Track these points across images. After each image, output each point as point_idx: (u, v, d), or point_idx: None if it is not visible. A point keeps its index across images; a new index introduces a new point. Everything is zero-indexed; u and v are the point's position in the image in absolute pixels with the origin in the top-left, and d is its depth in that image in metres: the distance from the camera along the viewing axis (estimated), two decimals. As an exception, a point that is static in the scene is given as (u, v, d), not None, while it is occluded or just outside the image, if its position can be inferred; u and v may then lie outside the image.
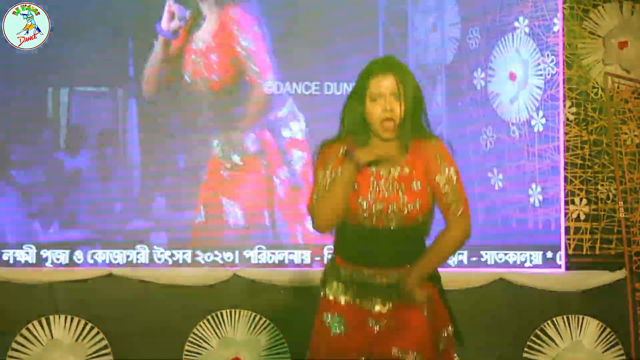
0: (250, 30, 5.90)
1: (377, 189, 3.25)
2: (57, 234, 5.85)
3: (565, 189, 6.02)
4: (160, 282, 5.78)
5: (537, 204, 5.97)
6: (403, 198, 3.23)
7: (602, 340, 5.96)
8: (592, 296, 5.97)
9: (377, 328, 3.27)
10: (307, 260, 5.87)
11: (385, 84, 3.22)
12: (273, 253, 5.87)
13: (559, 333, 5.95)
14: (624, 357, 5.96)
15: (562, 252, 5.99)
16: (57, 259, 5.80)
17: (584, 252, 6.06)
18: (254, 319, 5.82)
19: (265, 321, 5.82)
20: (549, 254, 5.99)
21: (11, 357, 5.72)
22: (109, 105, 6.01)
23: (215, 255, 5.85)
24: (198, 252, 5.86)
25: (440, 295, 3.33)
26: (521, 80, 6.03)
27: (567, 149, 6.04)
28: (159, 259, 5.85)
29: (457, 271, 5.92)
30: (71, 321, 5.78)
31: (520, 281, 5.93)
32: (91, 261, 5.81)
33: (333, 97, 5.85)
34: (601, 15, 6.12)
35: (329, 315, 3.28)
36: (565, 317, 5.96)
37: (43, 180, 5.89)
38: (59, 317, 5.79)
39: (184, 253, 5.86)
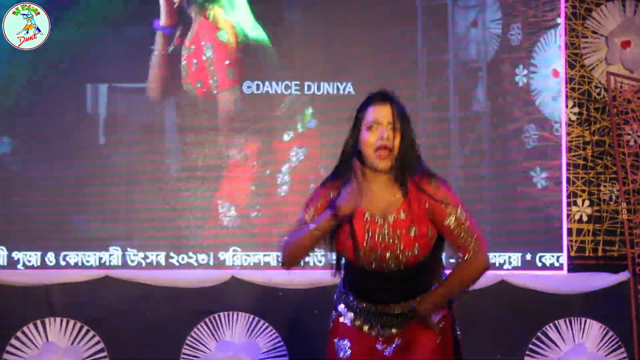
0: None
1: (372, 237, 3.20)
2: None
3: (567, 190, 5.96)
4: (158, 284, 5.72)
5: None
6: (400, 246, 3.19)
7: (605, 343, 5.91)
8: (595, 298, 5.91)
9: (389, 350, 3.28)
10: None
11: (382, 112, 3.20)
12: (248, 255, 5.81)
13: (561, 336, 5.90)
14: (627, 360, 5.92)
15: (565, 254, 5.93)
16: (29, 261, 5.74)
17: (587, 254, 6.00)
18: (252, 321, 5.75)
19: (263, 324, 5.75)
20: (551, 256, 5.93)
21: (6, 360, 5.68)
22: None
23: (190, 257, 5.79)
24: (172, 254, 5.80)
25: (451, 325, 3.39)
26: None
27: (569, 150, 5.98)
28: (132, 261, 5.78)
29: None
30: (67, 324, 5.72)
31: (522, 283, 5.87)
32: (63, 263, 5.74)
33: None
34: (604, 14, 6.06)
35: (338, 339, 3.32)
36: (567, 319, 5.90)
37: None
38: (55, 320, 5.73)
39: (157, 255, 5.79)
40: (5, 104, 5.80)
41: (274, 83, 5.87)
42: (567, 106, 5.98)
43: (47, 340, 5.71)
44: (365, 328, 3.31)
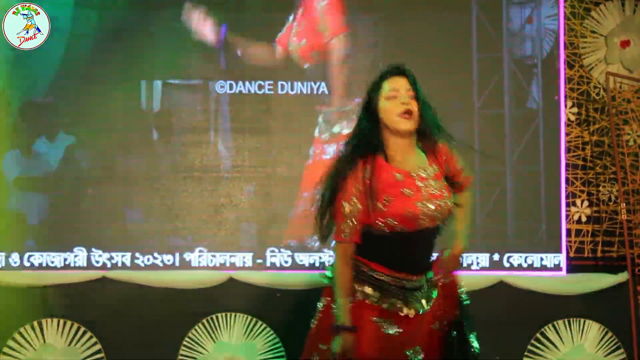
0: None
1: (427, 190, 3.50)
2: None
3: (566, 191, 5.93)
4: (155, 285, 5.69)
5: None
6: (445, 193, 3.56)
7: (604, 344, 5.88)
8: (594, 299, 5.88)
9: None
10: (249, 263, 5.78)
11: (400, 82, 3.53)
12: (214, 256, 5.79)
13: (560, 337, 5.87)
14: (626, 361, 5.90)
15: (564, 255, 5.90)
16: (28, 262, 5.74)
17: (586, 255, 5.97)
18: (250, 322, 5.73)
19: (261, 325, 5.73)
20: (550, 257, 5.90)
21: (3, 362, 5.66)
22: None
23: (155, 258, 5.77)
24: (137, 255, 5.77)
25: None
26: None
27: (568, 150, 5.95)
28: (97, 262, 5.75)
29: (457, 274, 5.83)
30: (64, 325, 5.70)
31: (521, 284, 5.84)
32: (27, 264, 5.72)
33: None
34: (603, 13, 6.04)
35: (377, 319, 3.50)
36: (566, 320, 5.88)
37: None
38: (52, 321, 5.70)
39: (122, 256, 5.77)
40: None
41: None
42: (566, 106, 5.96)
43: (44, 341, 5.69)
44: (403, 309, 3.56)
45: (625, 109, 5.93)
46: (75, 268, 5.73)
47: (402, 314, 3.55)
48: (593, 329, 5.88)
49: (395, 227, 3.44)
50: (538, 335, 5.86)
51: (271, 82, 5.85)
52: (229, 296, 5.73)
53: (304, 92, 5.85)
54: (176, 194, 5.80)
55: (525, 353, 5.83)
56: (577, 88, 6.00)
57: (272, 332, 5.72)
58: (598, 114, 6.01)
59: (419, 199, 3.46)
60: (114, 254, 5.75)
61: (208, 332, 5.71)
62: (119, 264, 5.75)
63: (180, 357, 5.69)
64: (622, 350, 5.87)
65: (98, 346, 5.70)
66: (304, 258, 5.79)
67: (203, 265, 5.76)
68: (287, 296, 5.72)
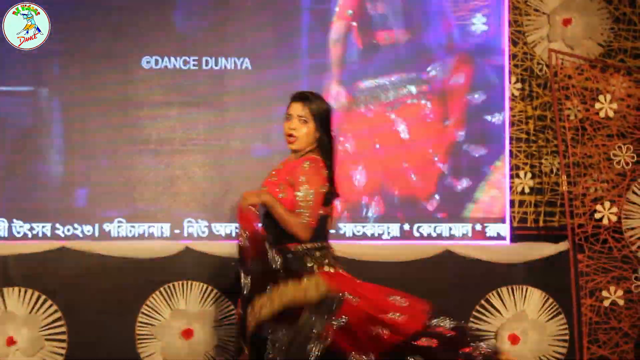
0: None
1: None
2: None
3: (510, 163, 6.16)
4: (113, 254, 5.85)
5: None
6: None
7: (545, 310, 6.12)
8: (536, 267, 6.11)
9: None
10: (167, 233, 5.99)
11: (294, 108, 4.16)
12: (133, 226, 5.99)
13: (503, 303, 6.09)
14: (566, 325, 6.12)
15: (507, 225, 6.13)
16: None
17: (529, 225, 6.21)
18: (206, 290, 5.92)
19: (216, 293, 5.92)
20: (494, 227, 6.12)
21: (-35, 329, 5.80)
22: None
23: (75, 229, 5.95)
24: (57, 225, 5.94)
25: None
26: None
27: (512, 124, 6.18)
28: (18, 232, 5.93)
29: (405, 243, 6.05)
30: (25, 294, 5.85)
31: (466, 253, 6.05)
32: (19, 234, 5.91)
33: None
34: (546, -8, 6.26)
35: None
36: (509, 287, 6.10)
37: None
38: (13, 290, 5.86)
39: (43, 227, 5.94)
40: None
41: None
42: (510, 82, 6.17)
43: (6, 309, 5.84)
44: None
45: (567, 85, 6.13)
46: (35, 239, 5.90)
47: None
48: (535, 296, 6.11)
49: None
50: (483, 302, 6.07)
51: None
52: (185, 265, 5.92)
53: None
54: (133, 166, 5.98)
55: (471, 319, 6.04)
56: (521, 64, 6.22)
57: (226, 299, 5.91)
58: (541, 89, 6.24)
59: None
60: (75, 225, 5.93)
61: (165, 300, 5.90)
62: (80, 235, 5.92)
63: (138, 324, 5.86)
64: (562, 315, 6.11)
65: (59, 314, 5.85)
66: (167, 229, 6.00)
67: (159, 236, 5.94)
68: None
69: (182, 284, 5.91)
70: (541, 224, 6.22)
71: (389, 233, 6.09)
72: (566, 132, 6.12)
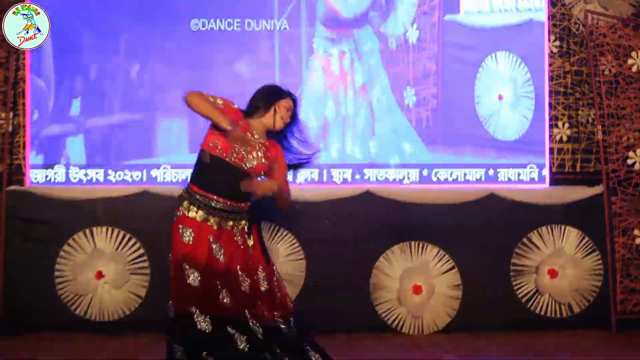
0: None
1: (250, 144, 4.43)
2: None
3: (550, 114, 6.71)
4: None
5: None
6: (255, 161, 4.42)
7: (581, 247, 6.67)
8: (573, 209, 6.65)
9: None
10: None
11: (290, 104, 4.57)
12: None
13: (543, 241, 6.64)
14: (600, 261, 6.67)
15: (547, 170, 6.69)
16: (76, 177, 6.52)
17: (566, 170, 6.77)
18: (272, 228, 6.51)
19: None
20: (536, 172, 6.67)
21: (59, 264, 6.42)
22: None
23: (125, 175, 6.54)
24: (110, 172, 6.53)
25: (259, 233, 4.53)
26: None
27: (551, 79, 6.73)
28: (74, 178, 6.52)
29: (452, 187, 6.62)
30: (112, 232, 6.45)
31: (509, 196, 6.58)
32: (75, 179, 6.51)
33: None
34: (583, -43, 6.80)
35: (183, 228, 4.36)
36: (549, 227, 6.65)
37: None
38: (101, 229, 6.46)
39: (96, 173, 6.52)
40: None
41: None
42: (549, 40, 6.71)
43: (95, 246, 6.45)
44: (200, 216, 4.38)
45: (602, 43, 6.67)
46: (121, 183, 6.52)
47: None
48: (572, 235, 6.66)
49: (216, 150, 4.34)
50: (524, 240, 6.62)
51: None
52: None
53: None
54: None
55: (513, 255, 6.60)
56: (559, 24, 6.76)
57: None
58: (578, 47, 6.78)
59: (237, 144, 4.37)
60: (152, 171, 6.52)
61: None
62: (158, 180, 6.52)
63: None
64: (597, 252, 6.67)
65: (142, 250, 6.45)
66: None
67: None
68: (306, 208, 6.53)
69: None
70: (578, 169, 6.78)
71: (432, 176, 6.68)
72: (601, 86, 6.66)
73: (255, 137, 4.45)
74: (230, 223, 4.38)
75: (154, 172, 6.54)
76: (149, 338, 6.13)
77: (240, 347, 4.16)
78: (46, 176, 6.50)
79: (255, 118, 4.49)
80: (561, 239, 6.66)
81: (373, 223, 6.55)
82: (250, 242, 4.45)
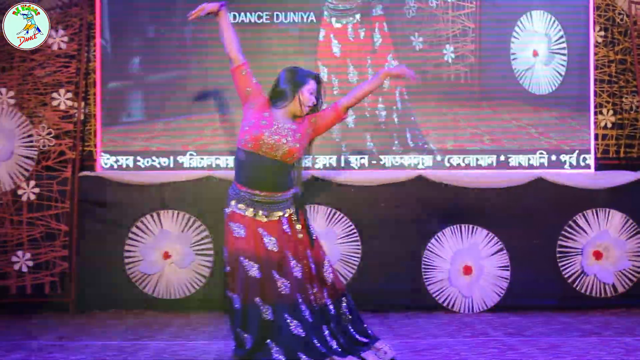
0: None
1: (276, 130, 4.61)
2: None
3: (594, 102, 6.96)
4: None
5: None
6: (291, 143, 4.61)
7: (625, 230, 6.93)
8: (617, 192, 6.91)
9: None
10: None
11: (313, 86, 4.68)
12: None
13: (588, 223, 6.90)
14: (643, 243, 6.96)
15: (592, 155, 6.94)
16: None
17: (610, 155, 7.04)
18: (330, 212, 6.83)
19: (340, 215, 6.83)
20: (581, 157, 6.92)
21: (129, 244, 6.79)
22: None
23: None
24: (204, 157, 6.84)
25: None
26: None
27: (596, 67, 6.99)
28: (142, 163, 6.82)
29: (502, 172, 6.90)
30: (177, 215, 6.80)
31: (557, 180, 6.85)
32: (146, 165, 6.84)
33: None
34: (627, -50, 7.02)
35: (234, 224, 4.63)
36: (594, 210, 6.92)
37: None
38: (167, 212, 6.81)
39: (190, 158, 6.82)
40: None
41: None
42: (594, 30, 6.96)
43: (162, 228, 6.80)
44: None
45: (645, 32, 6.96)
46: (185, 169, 6.84)
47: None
48: (616, 217, 6.92)
49: (247, 144, 4.56)
50: (570, 222, 6.89)
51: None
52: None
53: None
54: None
55: (560, 237, 6.88)
56: (604, 14, 7.01)
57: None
58: (622, 36, 7.03)
59: (267, 130, 4.55)
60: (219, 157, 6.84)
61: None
62: (222, 165, 6.85)
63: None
64: (640, 234, 6.96)
65: (206, 232, 6.80)
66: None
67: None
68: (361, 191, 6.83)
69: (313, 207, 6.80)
70: (622, 154, 7.05)
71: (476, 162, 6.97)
72: (644, 74, 6.94)
73: (281, 125, 4.61)
74: (279, 213, 4.62)
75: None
76: (212, 315, 6.51)
77: (295, 332, 4.44)
78: (116, 161, 6.84)
79: (280, 108, 4.65)
80: (606, 222, 6.91)
81: (425, 206, 6.87)
82: (299, 227, 4.69)
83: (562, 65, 6.95)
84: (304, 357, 4.39)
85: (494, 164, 6.92)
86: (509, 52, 6.98)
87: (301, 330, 4.46)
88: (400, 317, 6.52)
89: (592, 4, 6.96)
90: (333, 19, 6.91)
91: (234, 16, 6.79)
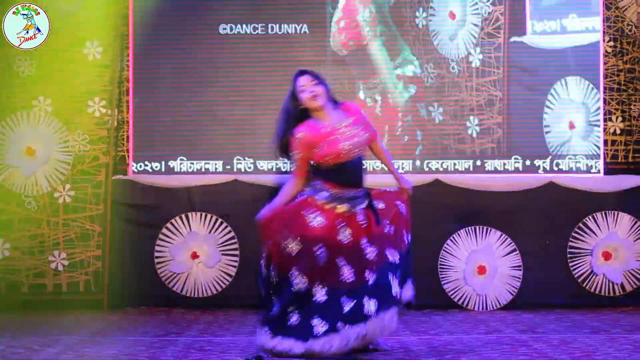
0: None
1: (344, 135, 4.80)
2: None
3: (604, 109, 7.22)
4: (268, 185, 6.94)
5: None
6: (358, 135, 4.82)
7: (633, 231, 7.16)
8: (626, 196, 7.14)
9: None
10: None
11: (304, 80, 4.77)
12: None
13: (598, 226, 7.14)
14: (652, 245, 7.19)
15: (601, 160, 7.18)
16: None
17: (619, 160, 7.27)
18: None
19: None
20: (591, 162, 7.16)
21: (159, 245, 7.09)
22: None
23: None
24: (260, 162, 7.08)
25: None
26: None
27: (605, 76, 7.23)
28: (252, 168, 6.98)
29: (514, 176, 7.15)
30: (205, 217, 7.09)
31: (567, 184, 7.09)
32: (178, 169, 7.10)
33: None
34: (636, -38, 7.27)
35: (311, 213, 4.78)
36: (603, 212, 7.15)
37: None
38: (195, 214, 7.10)
39: (216, 163, 7.08)
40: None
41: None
42: (604, 41, 7.22)
43: (190, 229, 7.10)
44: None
45: (653, 42, 7.22)
46: (212, 173, 7.13)
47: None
48: (624, 220, 7.15)
49: (328, 162, 4.78)
50: (580, 224, 7.13)
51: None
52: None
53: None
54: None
55: (570, 238, 7.12)
56: (613, 26, 7.26)
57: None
58: (630, 46, 7.29)
59: (340, 141, 4.74)
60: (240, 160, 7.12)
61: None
62: (246, 169, 7.12)
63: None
64: (648, 242, 7.19)
65: (232, 234, 7.09)
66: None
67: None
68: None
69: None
70: (630, 159, 7.28)
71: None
72: (652, 83, 7.19)
73: (333, 124, 4.77)
74: (359, 207, 4.82)
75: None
76: (238, 312, 6.76)
77: (346, 309, 4.68)
78: (147, 165, 7.15)
79: (313, 114, 4.80)
80: (614, 224, 7.13)
81: (441, 209, 7.12)
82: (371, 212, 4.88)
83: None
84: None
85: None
86: (542, 124, 7.09)
87: (350, 310, 4.65)
88: (417, 314, 6.67)
89: (602, 16, 7.20)
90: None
91: (230, 28, 7.05)
